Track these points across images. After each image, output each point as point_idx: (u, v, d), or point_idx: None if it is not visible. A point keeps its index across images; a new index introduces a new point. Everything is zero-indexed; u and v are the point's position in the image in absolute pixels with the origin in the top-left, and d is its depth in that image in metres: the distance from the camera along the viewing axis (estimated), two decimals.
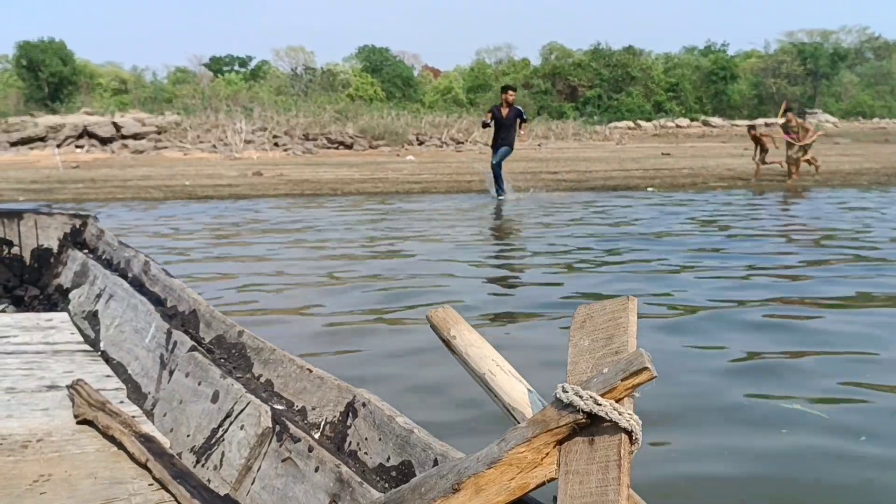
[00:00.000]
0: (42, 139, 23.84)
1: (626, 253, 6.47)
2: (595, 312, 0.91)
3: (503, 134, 11.77)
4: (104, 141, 23.86)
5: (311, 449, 1.15)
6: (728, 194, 13.46)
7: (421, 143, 26.61)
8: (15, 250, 2.46)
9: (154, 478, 1.26)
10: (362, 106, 31.03)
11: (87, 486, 1.24)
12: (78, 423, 1.50)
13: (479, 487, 0.83)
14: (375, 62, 45.76)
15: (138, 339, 1.80)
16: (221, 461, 1.28)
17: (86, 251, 2.41)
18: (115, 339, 1.91)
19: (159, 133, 24.98)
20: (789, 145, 15.41)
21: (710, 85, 46.07)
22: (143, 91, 34.29)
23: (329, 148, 24.93)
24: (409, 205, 11.58)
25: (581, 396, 0.82)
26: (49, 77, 33.46)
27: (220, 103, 27.71)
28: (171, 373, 1.58)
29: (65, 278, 2.39)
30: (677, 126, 38.64)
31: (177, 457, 1.33)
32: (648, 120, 39.48)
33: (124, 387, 1.70)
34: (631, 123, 38.23)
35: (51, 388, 1.69)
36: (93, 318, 2.08)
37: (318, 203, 11.67)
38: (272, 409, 1.26)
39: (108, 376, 1.78)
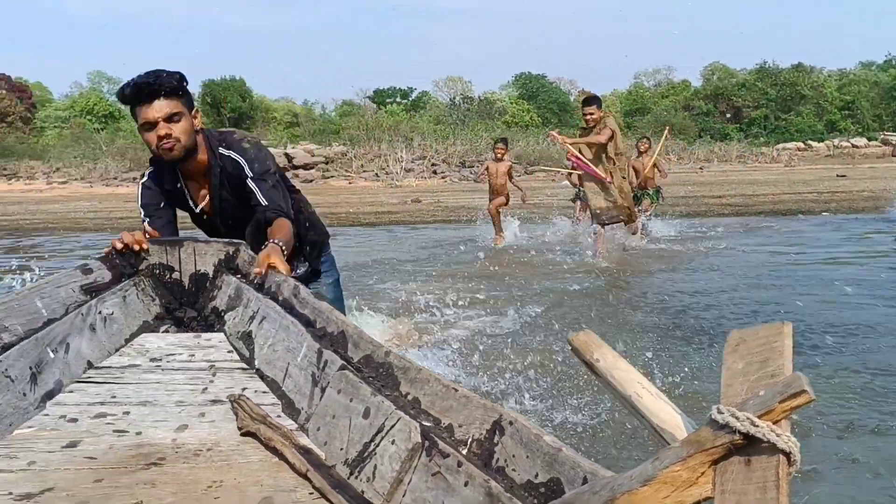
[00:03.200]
0: None
1: None
2: (748, 337, 0.93)
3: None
4: None
5: (459, 464, 1.20)
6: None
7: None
8: (175, 275, 2.63)
9: (314, 487, 1.35)
10: (518, 132, 31.25)
11: (255, 493, 1.35)
12: (241, 434, 1.62)
13: None
14: (532, 89, 46.17)
15: (291, 357, 1.90)
16: (374, 474, 1.35)
17: (238, 276, 2.55)
18: (268, 357, 2.03)
19: (327, 163, 26.39)
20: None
21: (892, 101, 42.89)
22: (313, 124, 36.43)
23: None
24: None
25: (737, 418, 0.84)
26: (230, 112, 36.28)
27: (382, 134, 28.89)
28: (322, 390, 1.67)
29: (220, 301, 2.54)
30: (853, 146, 36.21)
31: (333, 468, 1.43)
32: (820, 140, 37.20)
33: (279, 402, 1.82)
34: (801, 144, 36.24)
35: (215, 402, 1.83)
36: (247, 337, 2.21)
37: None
38: (421, 425, 1.33)
39: (263, 392, 1.90)
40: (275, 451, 1.51)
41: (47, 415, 1.72)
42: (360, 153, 27.47)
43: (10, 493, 1.33)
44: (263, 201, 2.73)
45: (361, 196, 19.69)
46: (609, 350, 1.14)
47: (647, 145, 11.68)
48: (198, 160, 2.72)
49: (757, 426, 0.82)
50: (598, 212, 8.55)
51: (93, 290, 2.31)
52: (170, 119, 2.58)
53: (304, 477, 1.39)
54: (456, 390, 1.38)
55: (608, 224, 8.67)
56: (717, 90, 44.20)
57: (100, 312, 2.23)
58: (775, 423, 0.82)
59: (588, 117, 8.50)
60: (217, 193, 2.80)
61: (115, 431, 1.63)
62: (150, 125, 2.58)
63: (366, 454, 1.40)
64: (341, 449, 1.48)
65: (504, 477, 1.17)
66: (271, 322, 2.12)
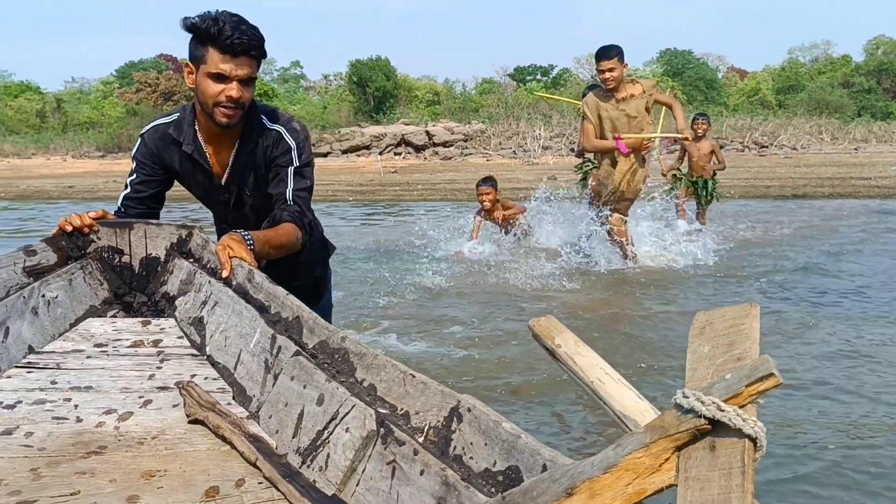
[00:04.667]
0: (367, 147, 26.53)
1: None
2: (715, 319, 0.89)
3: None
4: (418, 148, 25.98)
5: (416, 452, 1.16)
6: None
7: (721, 148, 25.37)
8: (125, 259, 2.53)
9: (264, 476, 1.30)
10: (660, 110, 30.12)
11: (201, 482, 1.30)
12: (189, 422, 1.56)
13: (593, 492, 0.84)
14: (677, 65, 44.40)
15: (243, 343, 1.85)
16: (327, 463, 1.31)
17: (191, 260, 2.47)
18: (220, 343, 1.97)
19: (465, 140, 26.57)
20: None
21: None
22: (453, 102, 36.65)
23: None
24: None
25: (703, 402, 0.81)
26: (375, 91, 37.00)
27: (521, 111, 28.64)
28: (275, 376, 1.62)
29: (171, 286, 2.46)
30: None
31: (284, 457, 1.38)
32: None
33: (230, 389, 1.76)
34: None
35: (162, 388, 1.76)
36: (198, 323, 2.14)
37: None
38: (376, 412, 1.28)
39: (214, 379, 1.83)
40: (224, 439, 1.45)
41: None
42: (498, 131, 27.48)
43: None
44: (289, 198, 2.48)
45: (498, 173, 19.74)
46: (571, 336, 1.11)
47: (705, 126, 9.65)
48: (233, 128, 2.45)
49: (723, 411, 0.78)
50: (607, 192, 6.74)
51: (36, 273, 2.22)
52: (245, 82, 2.36)
53: (254, 465, 1.34)
54: (413, 376, 1.33)
55: (607, 208, 6.80)
56: (882, 65, 41.09)
57: (43, 296, 2.13)
58: (742, 407, 0.79)
59: (606, 74, 6.24)
60: (243, 165, 2.53)
61: (54, 418, 1.56)
62: (223, 79, 2.33)
63: (319, 442, 1.36)
64: (293, 437, 1.43)
65: (461, 465, 1.13)
66: (224, 307, 2.05)
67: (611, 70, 6.17)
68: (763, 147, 25.44)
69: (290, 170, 2.49)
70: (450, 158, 24.86)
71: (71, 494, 1.23)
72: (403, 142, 26.47)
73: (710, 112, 31.75)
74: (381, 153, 25.68)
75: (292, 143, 2.51)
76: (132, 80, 44.96)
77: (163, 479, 1.30)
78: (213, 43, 2.30)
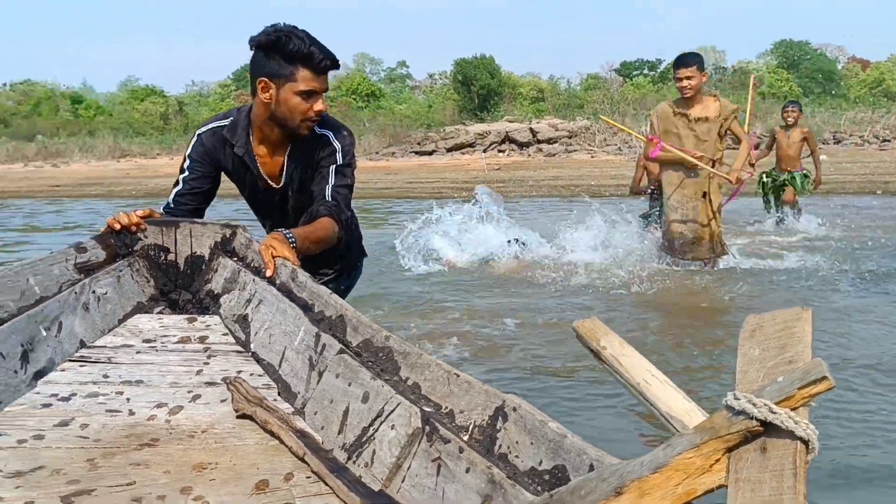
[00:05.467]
0: (471, 145, 26.66)
1: None
2: (766, 322, 0.89)
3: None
4: (522, 145, 25.97)
5: (461, 450, 1.17)
6: None
7: (838, 142, 24.20)
8: (171, 257, 2.58)
9: (312, 471, 1.32)
10: (773, 104, 28.88)
11: (251, 475, 1.32)
12: (237, 417, 1.58)
13: (643, 492, 0.84)
14: (792, 57, 42.41)
15: (287, 341, 1.87)
16: (372, 459, 1.33)
17: (235, 259, 2.52)
18: (264, 341, 2.00)
19: (570, 137, 26.31)
20: None
21: None
22: (558, 98, 36.31)
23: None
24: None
25: (755, 404, 0.82)
26: (479, 90, 37.11)
27: (627, 107, 28.05)
28: (320, 374, 1.64)
29: (215, 284, 2.50)
30: None
31: (330, 453, 1.40)
32: None
33: (275, 385, 1.78)
34: None
35: (210, 384, 1.79)
36: (243, 321, 2.18)
37: None
38: (421, 410, 1.29)
39: (259, 375, 1.86)
40: (272, 434, 1.47)
41: (38, 393, 1.69)
42: (603, 127, 27.06)
43: (0, 471, 1.30)
44: (328, 195, 2.57)
45: (603, 169, 19.57)
46: (616, 337, 1.11)
47: (795, 114, 8.70)
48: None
49: (775, 413, 0.78)
50: (672, 236, 6.32)
51: (87, 269, 2.28)
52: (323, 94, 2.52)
53: (302, 460, 1.36)
54: (458, 375, 1.34)
55: (681, 259, 6.31)
56: None
57: (93, 292, 2.19)
58: (793, 410, 0.79)
59: (684, 83, 6.02)
60: (293, 168, 2.64)
61: (107, 411, 1.60)
62: (312, 95, 2.46)
63: (364, 439, 1.38)
64: (339, 433, 1.45)
65: (507, 464, 1.13)
66: (268, 305, 2.09)
67: (689, 78, 6.00)
68: (885, 141, 24.04)
69: (332, 168, 2.59)
70: (554, 155, 24.69)
71: (127, 485, 1.27)
72: (507, 139, 26.45)
73: (827, 105, 30.27)
74: (485, 151, 25.75)
75: (337, 146, 2.61)
76: (247, 83, 46.48)
77: (214, 472, 1.33)
78: (304, 63, 2.41)
